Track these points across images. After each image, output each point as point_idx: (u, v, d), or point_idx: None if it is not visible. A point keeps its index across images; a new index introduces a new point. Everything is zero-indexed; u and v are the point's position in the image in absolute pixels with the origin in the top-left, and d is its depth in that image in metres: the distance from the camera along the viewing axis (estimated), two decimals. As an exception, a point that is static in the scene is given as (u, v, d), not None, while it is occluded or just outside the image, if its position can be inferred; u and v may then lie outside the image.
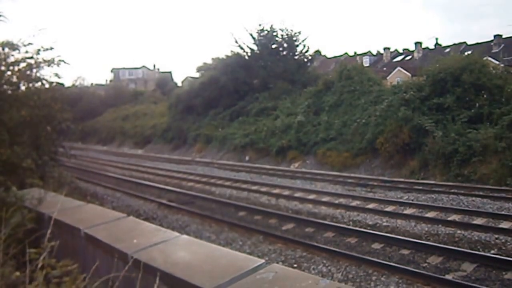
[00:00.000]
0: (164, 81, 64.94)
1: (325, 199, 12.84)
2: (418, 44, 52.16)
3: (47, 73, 6.69)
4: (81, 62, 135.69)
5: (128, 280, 2.37)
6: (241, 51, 32.18)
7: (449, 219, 10.00)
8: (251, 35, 31.73)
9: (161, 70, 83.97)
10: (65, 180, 7.19)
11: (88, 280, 2.43)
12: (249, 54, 31.92)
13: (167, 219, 11.49)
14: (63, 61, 6.56)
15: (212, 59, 42.60)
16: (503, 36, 45.53)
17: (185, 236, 2.95)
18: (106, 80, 79.82)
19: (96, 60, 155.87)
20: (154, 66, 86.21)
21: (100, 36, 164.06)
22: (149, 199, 13.96)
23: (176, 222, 11.12)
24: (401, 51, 56.60)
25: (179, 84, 61.91)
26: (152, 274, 2.25)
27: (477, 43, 45.55)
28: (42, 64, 6.47)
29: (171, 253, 2.56)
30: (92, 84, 68.42)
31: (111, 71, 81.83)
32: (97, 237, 3.03)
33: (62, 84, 7.94)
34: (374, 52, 59.32)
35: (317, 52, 47.34)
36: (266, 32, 31.51)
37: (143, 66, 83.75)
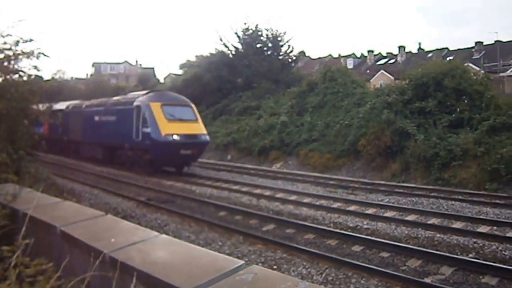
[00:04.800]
0: (146, 77, 64.25)
1: (307, 200, 12.85)
2: (401, 48, 52.80)
3: (25, 66, 6.56)
4: (61, 55, 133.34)
5: (105, 280, 2.30)
6: (225, 49, 32.17)
7: (428, 222, 10.08)
8: (236, 33, 31.76)
9: (143, 65, 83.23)
10: (42, 175, 7.06)
11: (63, 279, 2.35)
12: (233, 52, 31.88)
13: (146, 217, 11.32)
14: (42, 53, 6.43)
15: (196, 56, 42.27)
16: (484, 43, 46.49)
17: (164, 236, 2.88)
18: (87, 74, 78.84)
19: (77, 54, 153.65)
20: (137, 61, 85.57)
21: (81, 30, 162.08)
22: (128, 197, 13.76)
23: (155, 221, 10.97)
24: (384, 54, 57.23)
25: (162, 80, 61.47)
26: (129, 273, 2.19)
27: (459, 49, 46.41)
28: (20, 56, 6.33)
29: (150, 253, 2.49)
30: (72, 77, 67.30)
31: (92, 65, 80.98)
32: (73, 235, 2.93)
33: (41, 77, 7.79)
34: (358, 55, 59.92)
35: (302, 52, 47.56)
36: (251, 31, 31.53)
37: (125, 61, 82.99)
